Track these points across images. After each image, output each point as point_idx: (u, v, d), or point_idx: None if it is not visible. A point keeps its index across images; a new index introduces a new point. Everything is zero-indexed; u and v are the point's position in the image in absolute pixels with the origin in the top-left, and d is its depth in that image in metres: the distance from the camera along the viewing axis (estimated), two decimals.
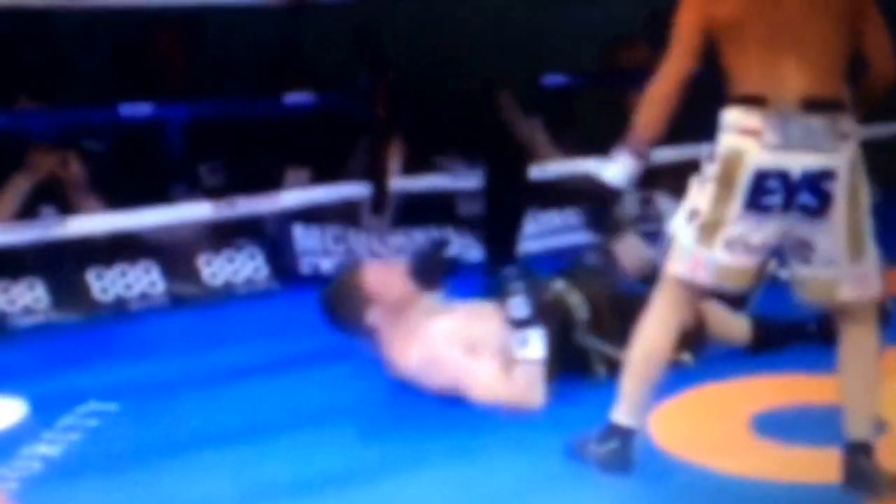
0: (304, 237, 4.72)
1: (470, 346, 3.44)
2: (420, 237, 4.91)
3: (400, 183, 4.87)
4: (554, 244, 5.13)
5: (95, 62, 4.91)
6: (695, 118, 5.46)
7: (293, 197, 4.65)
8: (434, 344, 3.43)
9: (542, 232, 5.13)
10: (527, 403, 3.35)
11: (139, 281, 4.42)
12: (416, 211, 4.97)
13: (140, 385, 3.66)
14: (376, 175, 4.73)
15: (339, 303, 3.51)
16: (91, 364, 3.87)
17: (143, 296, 4.41)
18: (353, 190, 4.75)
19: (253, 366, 3.82)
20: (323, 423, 3.38)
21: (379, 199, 4.74)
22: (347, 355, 3.88)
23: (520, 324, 3.38)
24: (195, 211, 4.53)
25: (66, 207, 4.31)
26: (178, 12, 4.73)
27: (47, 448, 3.22)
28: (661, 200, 5.28)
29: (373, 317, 3.47)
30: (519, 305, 3.39)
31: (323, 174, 4.85)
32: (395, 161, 4.90)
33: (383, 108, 4.70)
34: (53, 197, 4.34)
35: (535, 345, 3.37)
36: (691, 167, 5.18)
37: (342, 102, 4.86)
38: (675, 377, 3.55)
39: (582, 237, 5.14)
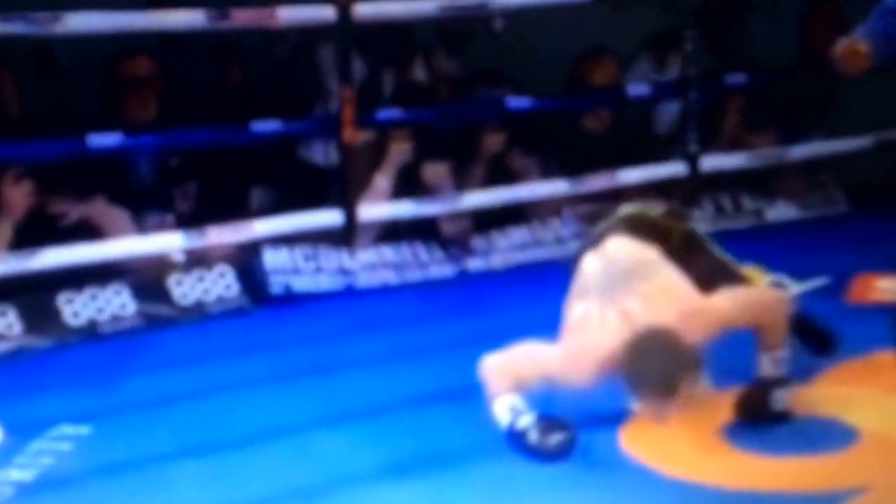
0: (273, 257, 4.72)
1: None
2: (390, 254, 4.91)
3: (382, 210, 4.86)
4: (522, 259, 5.13)
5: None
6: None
7: (264, 226, 4.63)
8: None
9: (513, 247, 5.14)
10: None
11: (110, 303, 4.41)
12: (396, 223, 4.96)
13: (112, 407, 3.65)
14: (346, 204, 4.72)
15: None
16: (63, 388, 3.85)
17: (115, 318, 4.40)
18: (326, 217, 4.74)
19: (227, 384, 3.81)
20: (299, 439, 3.38)
21: (349, 229, 4.72)
22: (322, 372, 3.90)
23: None
24: (166, 241, 4.52)
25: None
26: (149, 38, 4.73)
27: (19, 473, 3.20)
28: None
29: None
30: None
31: (295, 198, 4.85)
32: (388, 174, 4.89)
33: (350, 135, 4.70)
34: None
35: None
36: (654, 188, 5.31)
37: (310, 130, 4.85)
38: None
39: (551, 252, 5.19)
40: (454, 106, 5.34)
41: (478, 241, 5.08)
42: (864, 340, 3.69)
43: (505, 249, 5.12)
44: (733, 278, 3.47)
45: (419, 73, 5.52)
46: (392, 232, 4.96)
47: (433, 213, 4.95)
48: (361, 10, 4.69)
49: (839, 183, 5.75)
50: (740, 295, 3.38)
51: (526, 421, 3.18)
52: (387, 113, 4.94)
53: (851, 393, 3.49)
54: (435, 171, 5.04)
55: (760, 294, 3.51)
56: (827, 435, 3.28)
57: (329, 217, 4.73)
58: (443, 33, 5.69)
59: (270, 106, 5.01)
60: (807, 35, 5.88)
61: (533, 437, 3.15)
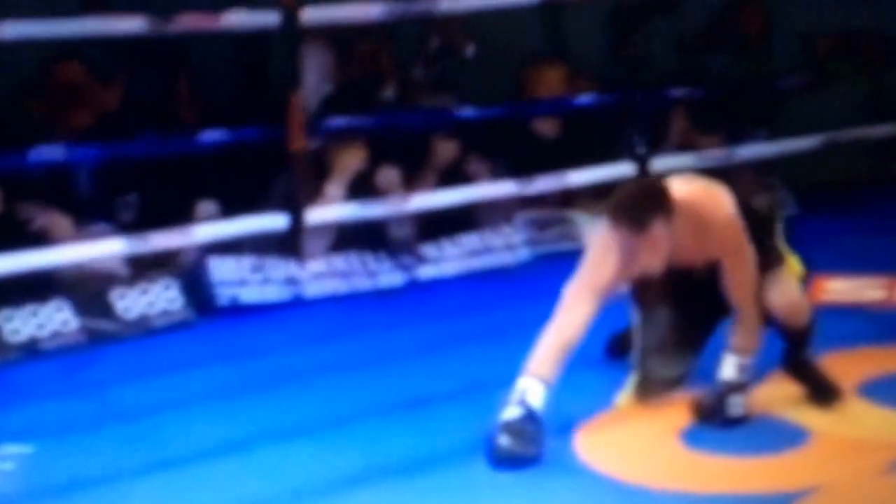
0: (219, 268, 4.64)
1: None
2: (340, 263, 4.86)
3: (329, 213, 4.80)
4: (473, 266, 5.09)
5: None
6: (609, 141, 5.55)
7: (207, 231, 4.56)
8: None
9: (463, 254, 5.10)
10: None
11: (51, 319, 4.32)
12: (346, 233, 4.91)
13: (56, 425, 3.57)
14: (293, 208, 4.66)
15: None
16: (4, 406, 3.76)
17: (56, 334, 4.31)
18: (270, 222, 4.67)
19: (173, 399, 3.74)
20: (250, 452, 3.33)
21: (295, 234, 4.65)
22: (269, 383, 3.84)
23: None
24: (108, 247, 4.43)
25: None
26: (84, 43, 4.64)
27: None
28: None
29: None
30: None
31: (240, 205, 4.78)
32: (341, 181, 4.85)
33: (298, 142, 4.63)
34: None
35: None
36: (608, 188, 5.30)
37: (256, 138, 4.79)
38: (604, 391, 3.56)
39: (503, 259, 5.17)
40: (403, 114, 5.29)
41: (428, 249, 5.03)
42: (816, 341, 3.68)
43: (455, 257, 5.08)
44: (779, 264, 3.49)
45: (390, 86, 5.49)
46: (341, 241, 4.90)
47: (380, 215, 4.90)
48: (308, 15, 4.63)
49: (788, 184, 5.77)
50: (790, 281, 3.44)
51: (509, 413, 3.19)
52: (335, 121, 4.89)
53: (802, 393, 3.49)
54: (388, 177, 5.00)
55: (800, 292, 3.52)
56: (778, 435, 3.29)
57: (274, 221, 4.66)
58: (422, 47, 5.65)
59: (223, 112, 4.96)
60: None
61: (499, 436, 3.15)
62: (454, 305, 4.69)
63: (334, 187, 4.86)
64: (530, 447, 3.16)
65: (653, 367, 3.57)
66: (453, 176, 5.17)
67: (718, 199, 3.39)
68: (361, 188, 4.92)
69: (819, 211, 5.50)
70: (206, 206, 4.75)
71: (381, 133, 5.06)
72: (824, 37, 5.83)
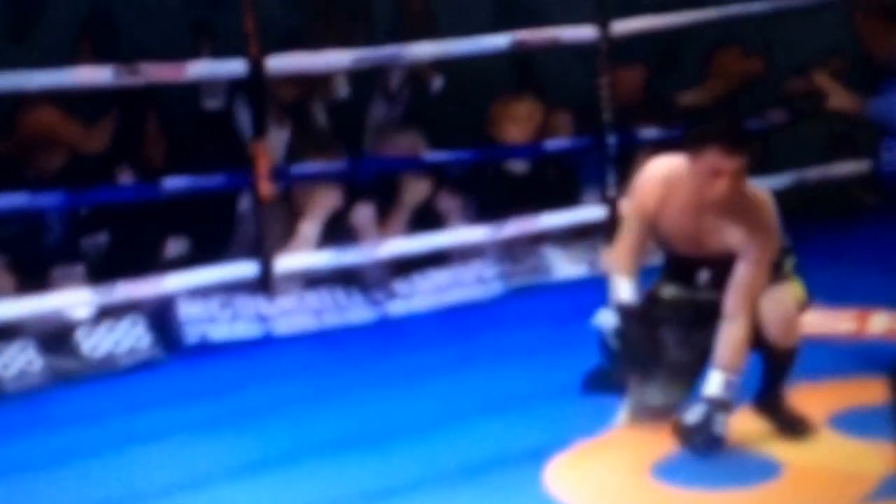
0: (187, 305, 4.60)
1: None
2: (311, 299, 4.83)
3: (300, 260, 4.77)
4: (444, 301, 5.06)
5: None
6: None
7: (175, 281, 4.52)
8: None
9: (435, 288, 5.08)
10: None
11: (15, 360, 4.26)
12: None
13: (20, 466, 3.52)
14: (263, 255, 4.62)
15: None
16: None
17: (21, 374, 4.26)
18: (240, 269, 4.63)
19: (140, 438, 3.70)
20: (218, 488, 3.30)
21: (265, 278, 4.62)
22: (238, 421, 3.80)
23: None
24: (74, 297, 4.39)
25: None
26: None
27: None
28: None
29: None
30: None
31: (208, 247, 4.75)
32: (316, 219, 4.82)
33: (265, 189, 4.60)
34: None
35: None
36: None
37: (224, 184, 4.77)
38: (577, 423, 3.54)
39: (473, 293, 5.15)
40: (372, 159, 5.27)
41: (399, 284, 5.01)
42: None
43: (427, 292, 5.06)
44: (782, 281, 3.54)
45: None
46: (313, 278, 4.88)
47: (353, 261, 4.88)
48: (273, 64, 4.61)
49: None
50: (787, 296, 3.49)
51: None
52: (303, 166, 4.87)
53: (772, 426, 3.48)
54: (362, 215, 4.98)
55: (796, 312, 3.53)
56: (751, 468, 3.28)
57: (245, 269, 4.63)
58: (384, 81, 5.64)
59: (191, 154, 4.93)
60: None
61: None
62: (425, 339, 4.66)
63: (308, 226, 4.84)
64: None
65: (649, 394, 3.55)
66: (424, 212, 5.16)
67: (770, 202, 3.50)
68: (336, 226, 4.90)
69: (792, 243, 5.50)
70: (177, 245, 4.72)
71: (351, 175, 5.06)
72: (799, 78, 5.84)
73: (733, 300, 3.42)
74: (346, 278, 4.93)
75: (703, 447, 3.35)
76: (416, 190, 5.13)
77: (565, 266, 5.35)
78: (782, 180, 5.64)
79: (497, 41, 5.15)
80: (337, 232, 4.89)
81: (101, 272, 4.49)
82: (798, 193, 5.66)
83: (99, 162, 4.79)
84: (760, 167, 5.75)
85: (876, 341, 4.28)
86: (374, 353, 4.53)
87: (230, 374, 4.34)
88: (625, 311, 3.49)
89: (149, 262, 4.60)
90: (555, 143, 5.46)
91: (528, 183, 5.49)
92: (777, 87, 5.92)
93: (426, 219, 5.12)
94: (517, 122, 5.49)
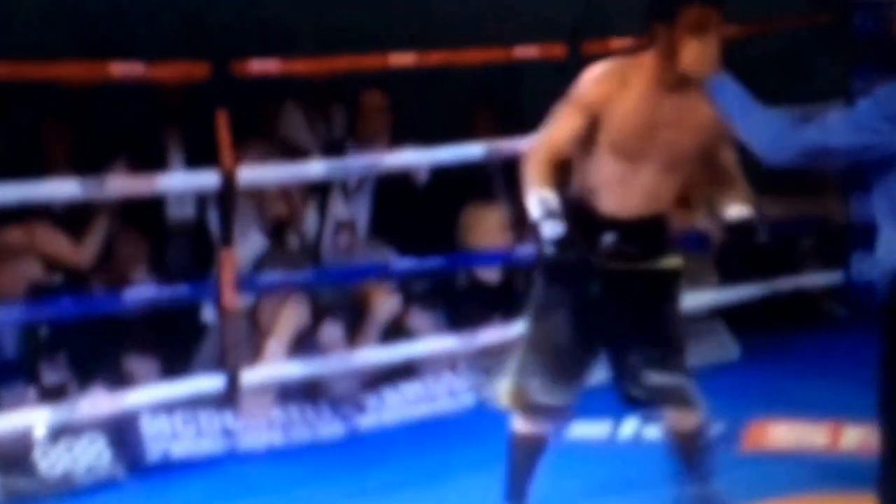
0: (150, 421, 4.53)
1: None
2: (278, 414, 4.76)
3: (267, 372, 4.71)
4: (415, 414, 4.99)
5: None
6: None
7: (138, 396, 4.45)
8: None
9: (405, 402, 5.02)
10: None
11: None
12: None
13: None
14: (228, 368, 4.57)
15: None
16: None
17: None
18: (205, 383, 4.56)
19: None
20: None
21: (231, 395, 4.56)
22: None
23: None
24: (31, 417, 4.29)
25: None
26: None
27: None
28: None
29: None
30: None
31: (172, 362, 4.70)
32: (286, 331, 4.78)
33: (229, 299, 4.58)
34: None
35: None
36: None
37: (189, 295, 4.74)
38: None
39: (444, 405, 5.09)
40: (339, 270, 5.24)
41: (368, 398, 4.95)
42: (760, 489, 3.63)
43: (397, 405, 5.00)
44: None
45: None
46: (280, 392, 4.81)
47: (322, 373, 4.83)
48: (246, 175, 4.61)
49: (730, 329, 5.77)
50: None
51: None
52: (268, 277, 4.84)
53: None
54: (330, 334, 4.94)
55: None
56: None
57: (210, 383, 4.57)
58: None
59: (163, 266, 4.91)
60: None
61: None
62: (395, 454, 4.59)
63: (275, 345, 4.79)
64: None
65: (534, 390, 3.41)
66: (393, 327, 5.11)
67: None
68: (303, 344, 4.85)
69: (761, 355, 5.49)
70: (142, 364, 4.65)
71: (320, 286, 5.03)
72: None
73: (728, 174, 3.36)
74: (313, 392, 4.87)
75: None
76: (385, 306, 5.10)
77: None
78: (754, 291, 5.64)
79: (471, 150, 5.15)
80: (304, 351, 4.83)
81: (59, 394, 4.41)
82: (769, 304, 5.67)
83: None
84: (733, 277, 5.80)
85: (849, 456, 4.23)
86: (344, 469, 4.45)
87: (194, 493, 4.26)
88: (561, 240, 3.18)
89: (111, 380, 4.52)
90: (527, 250, 5.44)
91: (500, 291, 5.47)
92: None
93: (396, 336, 5.07)
94: (489, 229, 5.50)
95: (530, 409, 3.44)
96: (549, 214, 3.18)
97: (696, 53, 3.19)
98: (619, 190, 3.34)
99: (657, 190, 3.36)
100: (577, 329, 3.39)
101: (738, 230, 3.32)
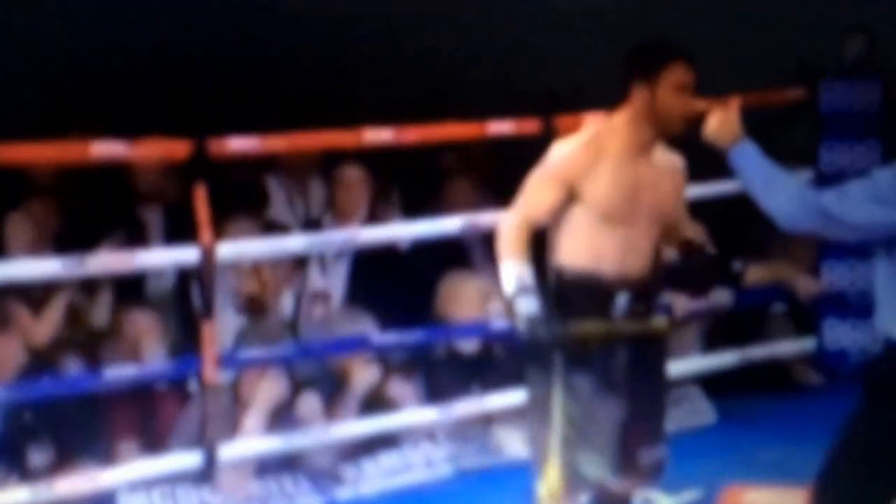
0: (128, 499, 4.47)
1: None
2: (255, 487, 4.76)
3: (246, 447, 4.72)
4: (393, 485, 5.01)
5: None
6: None
7: (116, 474, 4.44)
8: None
9: (383, 472, 5.03)
10: None
11: None
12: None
13: None
14: (206, 444, 4.57)
15: None
16: None
17: None
18: (183, 460, 4.56)
19: None
20: None
21: (208, 467, 4.55)
22: None
23: None
24: (11, 497, 4.25)
25: None
26: None
27: None
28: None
29: None
30: None
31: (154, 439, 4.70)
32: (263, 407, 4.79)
33: (210, 374, 4.59)
34: None
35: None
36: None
37: (170, 371, 4.76)
38: None
39: (422, 475, 5.09)
40: (318, 344, 5.26)
41: (346, 469, 4.96)
42: None
43: (375, 476, 5.00)
44: None
45: None
46: (258, 465, 4.81)
47: (300, 446, 4.84)
48: (224, 251, 4.64)
49: (705, 394, 5.80)
50: None
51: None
52: (250, 352, 4.87)
53: None
54: (308, 406, 4.95)
55: None
56: None
57: (188, 459, 4.56)
58: None
59: None
60: None
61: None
62: None
63: (253, 420, 4.80)
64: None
65: (578, 462, 3.31)
66: (373, 398, 5.11)
67: None
68: (281, 418, 4.86)
69: (737, 420, 5.52)
70: (127, 446, 4.65)
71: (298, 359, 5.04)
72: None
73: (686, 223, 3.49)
74: (291, 464, 4.87)
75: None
76: (364, 377, 5.11)
77: (517, 446, 5.31)
78: (727, 359, 5.68)
79: (448, 224, 5.19)
80: (282, 424, 4.83)
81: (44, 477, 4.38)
82: (742, 372, 5.71)
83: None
84: (707, 344, 5.84)
85: None
86: None
87: None
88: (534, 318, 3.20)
89: (98, 461, 4.51)
90: (502, 322, 5.47)
91: (478, 362, 5.48)
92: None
93: (376, 407, 5.08)
94: (468, 300, 5.52)
95: (580, 486, 3.33)
96: (523, 290, 3.18)
97: (688, 105, 3.25)
98: (616, 254, 3.33)
99: (647, 248, 3.39)
100: (608, 389, 3.33)
101: (691, 245, 3.39)
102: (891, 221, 2.97)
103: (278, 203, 5.63)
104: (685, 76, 3.26)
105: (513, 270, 3.23)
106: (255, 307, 5.06)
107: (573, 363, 3.28)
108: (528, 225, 3.32)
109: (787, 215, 3.05)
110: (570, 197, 3.32)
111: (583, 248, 3.35)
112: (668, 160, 3.42)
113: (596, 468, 3.30)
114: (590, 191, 3.29)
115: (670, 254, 3.54)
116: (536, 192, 3.32)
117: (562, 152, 3.34)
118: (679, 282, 3.52)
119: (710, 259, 3.44)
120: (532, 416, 3.42)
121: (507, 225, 3.34)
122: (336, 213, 5.49)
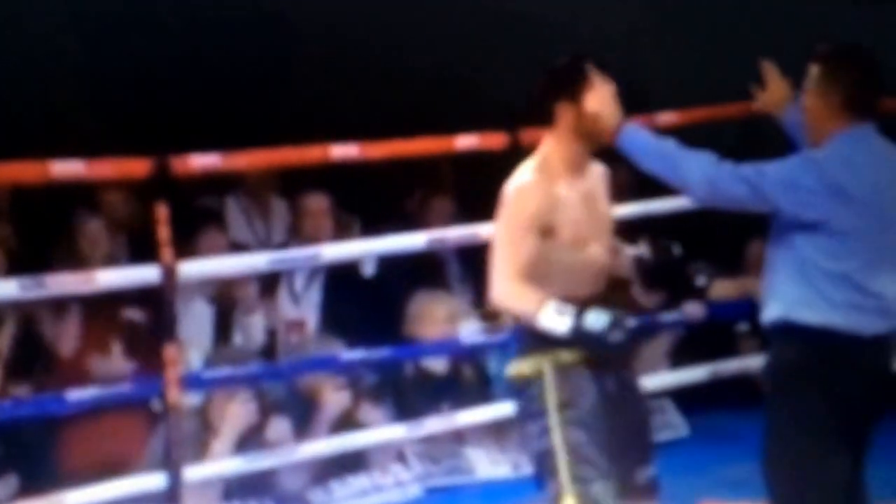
0: None
1: None
2: None
3: (211, 469, 4.66)
4: None
5: None
6: None
7: (77, 496, 4.31)
8: None
9: (352, 495, 4.98)
10: None
11: None
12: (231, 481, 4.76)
13: None
14: (170, 466, 4.50)
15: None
16: None
17: None
18: (147, 482, 4.49)
19: None
20: None
21: (174, 490, 4.48)
22: None
23: None
24: None
25: None
26: None
27: None
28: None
29: None
30: None
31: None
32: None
33: (174, 396, 4.53)
34: None
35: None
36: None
37: (133, 394, 4.69)
38: None
39: (392, 496, 5.04)
40: (288, 364, 5.21)
41: (315, 492, 4.90)
42: None
43: (344, 498, 4.95)
44: None
45: None
46: (226, 489, 4.75)
47: (266, 468, 4.77)
48: (187, 269, 4.59)
49: (678, 407, 5.80)
50: None
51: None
52: (215, 372, 4.81)
53: None
54: (278, 431, 4.89)
55: None
56: None
57: (153, 481, 4.49)
58: None
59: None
60: None
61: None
62: None
63: (221, 444, 4.74)
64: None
65: (599, 496, 3.29)
66: (344, 422, 5.07)
67: None
68: (250, 442, 4.80)
69: (709, 435, 5.50)
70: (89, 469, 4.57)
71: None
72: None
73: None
74: (259, 488, 4.81)
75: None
76: (335, 401, 5.05)
77: (487, 466, 5.28)
78: (697, 374, 5.67)
79: (414, 240, 5.15)
80: (251, 449, 4.77)
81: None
82: (711, 386, 5.70)
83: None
84: (676, 360, 5.85)
85: None
86: None
87: None
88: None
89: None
90: (470, 337, 5.45)
91: (447, 381, 5.45)
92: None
93: (347, 430, 5.02)
94: (437, 319, 5.49)
95: None
96: (577, 313, 3.22)
97: (601, 98, 3.30)
98: (587, 274, 3.40)
99: (607, 260, 3.47)
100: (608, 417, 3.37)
101: (657, 245, 3.47)
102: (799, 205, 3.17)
103: (238, 224, 5.60)
104: (605, 87, 3.34)
105: (550, 309, 3.24)
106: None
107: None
108: (522, 276, 3.32)
109: (703, 184, 3.18)
110: (542, 234, 3.36)
111: (559, 277, 3.38)
112: (596, 169, 3.53)
113: (607, 495, 3.30)
114: (557, 221, 3.35)
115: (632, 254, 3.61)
116: (518, 245, 3.32)
117: (521, 199, 3.34)
118: (654, 281, 3.56)
119: (677, 258, 3.52)
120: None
121: (507, 288, 3.31)
122: (301, 241, 5.43)
